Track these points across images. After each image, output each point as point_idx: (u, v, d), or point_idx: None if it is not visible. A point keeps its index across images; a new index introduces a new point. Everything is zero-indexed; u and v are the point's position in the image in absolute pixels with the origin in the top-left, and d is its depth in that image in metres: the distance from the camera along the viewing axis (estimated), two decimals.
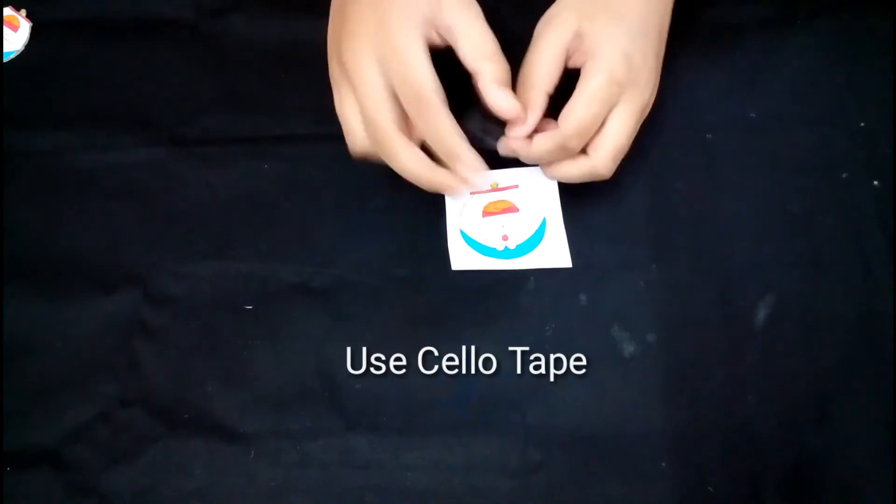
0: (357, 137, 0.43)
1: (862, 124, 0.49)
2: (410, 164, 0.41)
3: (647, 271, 0.46)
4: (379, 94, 0.41)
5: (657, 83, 0.45)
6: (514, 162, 0.49)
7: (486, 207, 0.48)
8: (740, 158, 0.49)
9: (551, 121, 0.44)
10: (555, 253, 0.47)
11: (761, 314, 0.45)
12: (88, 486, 0.43)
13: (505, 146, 0.45)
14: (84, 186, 0.50)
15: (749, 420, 0.43)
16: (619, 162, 0.44)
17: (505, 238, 0.47)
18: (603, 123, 0.43)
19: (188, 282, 0.47)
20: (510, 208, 0.48)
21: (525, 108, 0.42)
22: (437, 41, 0.41)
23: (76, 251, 0.48)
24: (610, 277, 0.46)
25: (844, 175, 0.48)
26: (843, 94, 0.50)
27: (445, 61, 0.42)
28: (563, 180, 0.46)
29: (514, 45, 0.53)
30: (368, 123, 0.41)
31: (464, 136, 0.41)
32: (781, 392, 0.43)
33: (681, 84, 0.47)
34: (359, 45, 0.41)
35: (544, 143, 0.43)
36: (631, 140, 0.44)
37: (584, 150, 0.44)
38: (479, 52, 0.41)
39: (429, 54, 0.40)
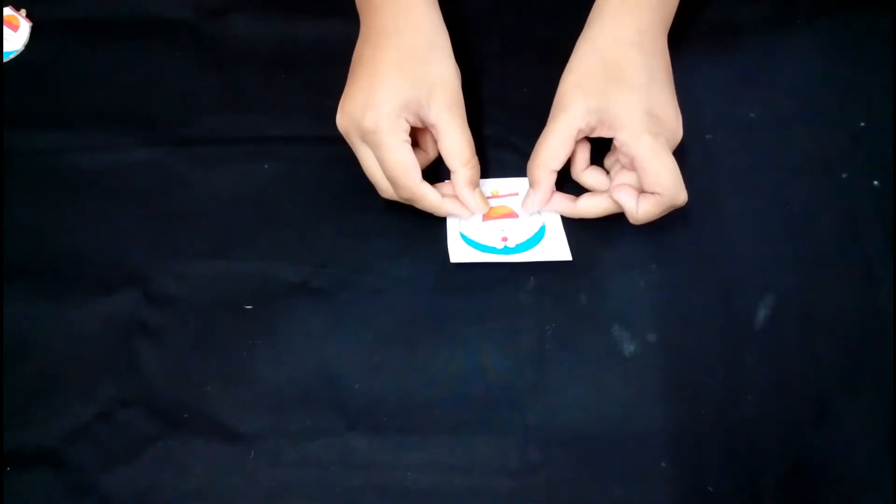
0: (385, 189, 0.46)
1: (862, 124, 0.49)
2: (438, 207, 0.46)
3: (647, 271, 0.46)
4: (375, 165, 0.45)
5: (681, 124, 0.45)
6: (515, 171, 0.49)
7: (486, 213, 0.48)
8: (740, 158, 0.49)
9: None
10: (555, 247, 0.47)
11: (761, 314, 0.45)
12: (88, 486, 0.43)
13: (545, 208, 0.47)
14: (84, 186, 0.50)
15: (749, 420, 0.43)
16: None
17: (504, 239, 0.47)
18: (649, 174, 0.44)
19: (188, 282, 0.47)
20: (510, 214, 0.48)
21: (533, 185, 0.46)
22: (420, 125, 0.45)
23: (76, 251, 0.48)
24: (610, 277, 0.46)
25: (844, 175, 0.48)
26: (843, 94, 0.50)
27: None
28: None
29: (515, 46, 0.54)
30: (370, 180, 0.46)
31: (435, 193, 0.45)
32: (781, 392, 0.43)
33: (681, 84, 0.47)
34: (348, 118, 0.44)
35: (593, 206, 0.46)
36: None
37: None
38: (457, 157, 0.45)
39: (408, 138, 0.44)
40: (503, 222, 0.48)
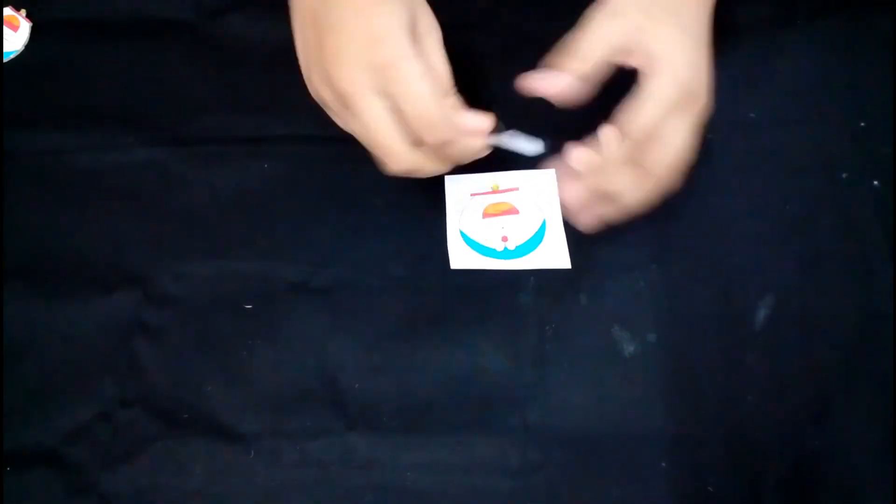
0: (399, 152, 0.40)
1: (862, 124, 0.49)
2: (437, 168, 0.41)
3: (647, 271, 0.46)
4: (387, 122, 0.39)
5: (708, 96, 0.42)
6: (515, 164, 0.49)
7: (486, 209, 0.48)
8: (740, 158, 0.49)
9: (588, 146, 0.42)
10: (554, 254, 0.47)
11: (761, 314, 0.45)
12: (88, 486, 0.43)
13: (572, 156, 0.42)
14: (84, 186, 0.50)
15: (749, 420, 0.43)
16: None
17: (504, 239, 0.47)
18: (662, 136, 0.41)
19: (188, 282, 0.47)
20: (510, 210, 0.48)
21: (561, 68, 0.41)
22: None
23: (76, 251, 0.48)
24: (610, 277, 0.46)
25: (844, 175, 0.48)
26: (843, 94, 0.50)
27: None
28: (630, 210, 0.43)
29: (515, 46, 0.54)
30: (387, 153, 0.40)
31: (463, 117, 0.40)
32: (781, 392, 0.43)
33: None
34: (351, 66, 0.38)
35: (612, 141, 0.41)
36: (692, 151, 0.42)
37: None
38: (442, 81, 0.39)
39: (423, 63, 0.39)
40: (503, 219, 0.48)
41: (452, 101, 0.40)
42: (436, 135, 0.39)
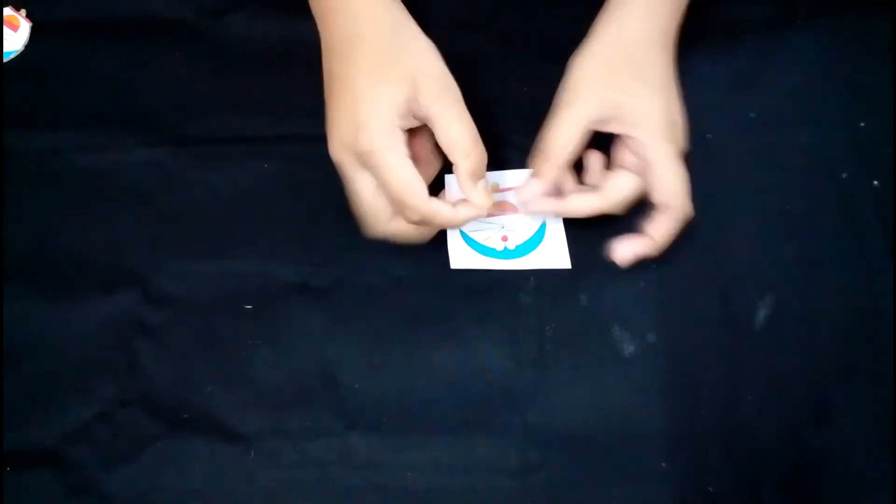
0: (378, 220, 0.43)
1: (862, 124, 0.49)
2: (453, 219, 0.42)
3: (647, 271, 0.46)
4: (367, 195, 0.42)
5: (687, 130, 0.45)
6: (516, 164, 0.49)
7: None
8: (740, 158, 0.49)
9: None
10: (554, 254, 0.47)
11: (761, 314, 0.45)
12: (88, 486, 0.43)
13: (531, 209, 0.45)
14: (84, 186, 0.50)
15: (749, 420, 0.43)
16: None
17: (504, 239, 0.47)
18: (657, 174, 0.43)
19: (188, 282, 0.47)
20: (510, 209, 0.48)
21: (537, 175, 0.44)
22: (418, 124, 0.42)
23: (76, 251, 0.48)
24: (610, 277, 0.46)
25: (844, 175, 0.48)
26: (843, 94, 0.50)
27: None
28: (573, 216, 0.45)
29: (515, 45, 0.54)
30: (359, 216, 0.43)
31: (447, 206, 0.42)
32: (781, 392, 0.43)
33: (681, 84, 0.46)
34: (337, 144, 0.41)
35: (582, 205, 0.44)
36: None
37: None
38: (458, 147, 0.41)
39: (408, 151, 0.41)
40: (504, 219, 0.48)
41: (465, 165, 0.41)
42: (409, 216, 0.41)
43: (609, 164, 0.46)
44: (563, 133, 0.42)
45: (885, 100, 0.49)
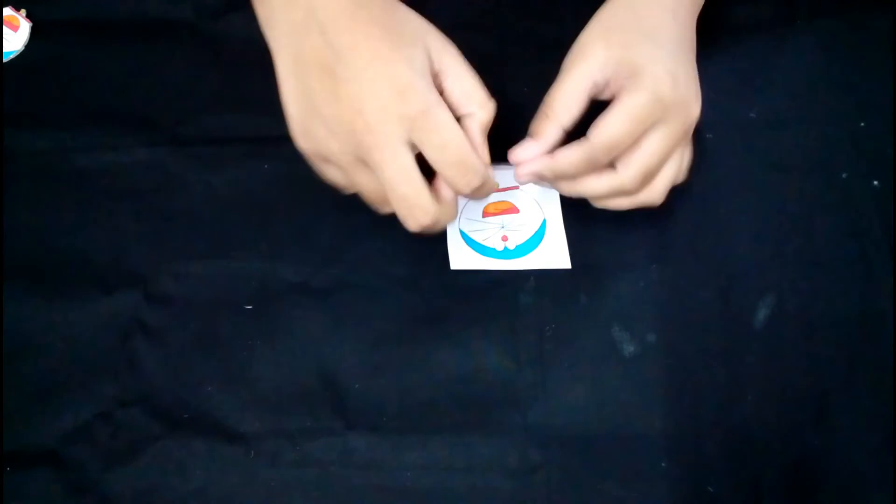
0: (426, 211, 0.39)
1: (862, 124, 0.49)
2: (451, 220, 0.42)
3: (647, 271, 0.46)
4: (416, 173, 0.38)
5: (700, 106, 0.43)
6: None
7: (486, 208, 0.48)
8: (740, 158, 0.49)
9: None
10: (554, 254, 0.47)
11: (761, 314, 0.45)
12: (88, 486, 0.43)
13: (523, 172, 0.42)
14: (84, 186, 0.50)
15: (749, 420, 0.43)
16: (650, 182, 0.42)
17: (504, 239, 0.47)
18: (639, 140, 0.41)
19: (188, 282, 0.47)
20: (510, 209, 0.48)
21: (536, 136, 0.41)
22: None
23: (76, 251, 0.48)
24: (610, 277, 0.46)
25: (844, 175, 0.48)
26: (843, 94, 0.50)
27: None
28: (587, 196, 0.44)
29: (514, 45, 0.54)
30: (411, 207, 0.39)
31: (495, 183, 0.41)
32: (781, 392, 0.43)
33: None
34: (379, 117, 0.37)
35: (570, 155, 0.41)
36: (665, 162, 0.42)
37: (612, 165, 0.42)
38: (472, 97, 0.39)
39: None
40: (504, 218, 0.48)
41: (482, 115, 0.40)
42: (470, 181, 0.38)
43: None
44: (566, 92, 0.41)
45: (885, 100, 0.49)
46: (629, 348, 0.44)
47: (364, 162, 0.38)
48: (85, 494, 0.42)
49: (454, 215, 0.42)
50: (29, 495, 0.43)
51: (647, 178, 0.42)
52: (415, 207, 0.38)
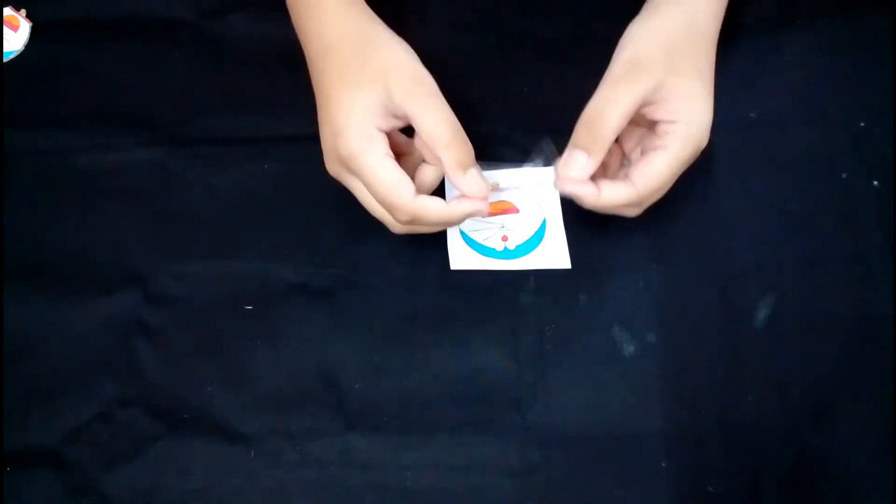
0: (391, 222, 0.43)
1: (862, 124, 0.49)
2: (447, 214, 0.41)
3: (647, 271, 0.46)
4: (370, 198, 0.42)
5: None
6: (516, 162, 0.49)
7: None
8: (740, 158, 0.49)
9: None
10: (554, 254, 0.47)
11: (761, 314, 0.45)
12: (88, 486, 0.43)
13: (568, 189, 0.42)
14: (84, 186, 0.50)
15: (749, 420, 0.43)
16: None
17: (504, 239, 0.47)
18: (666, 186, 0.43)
19: (188, 282, 0.47)
20: (510, 209, 0.48)
21: (587, 151, 0.40)
22: (401, 123, 0.41)
23: (76, 251, 0.48)
24: (610, 277, 0.46)
25: (844, 175, 0.48)
26: (843, 94, 0.50)
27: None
28: (603, 209, 0.43)
29: (515, 46, 0.54)
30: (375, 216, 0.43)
31: (437, 202, 0.41)
32: (781, 392, 0.43)
33: None
34: (327, 154, 0.42)
35: (614, 195, 0.41)
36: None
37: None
38: (437, 140, 0.40)
39: (389, 151, 0.40)
40: (504, 218, 0.48)
41: (449, 157, 0.40)
42: (399, 217, 0.41)
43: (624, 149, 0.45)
44: (620, 107, 0.40)
45: (885, 100, 0.49)
46: (629, 348, 0.44)
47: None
48: (85, 494, 0.42)
49: (435, 215, 0.41)
50: (29, 495, 0.43)
51: (661, 193, 0.43)
52: (383, 222, 0.43)
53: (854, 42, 0.51)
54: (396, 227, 0.43)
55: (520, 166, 0.47)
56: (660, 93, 0.40)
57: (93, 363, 0.45)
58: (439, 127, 0.40)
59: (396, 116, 0.41)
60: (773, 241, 0.46)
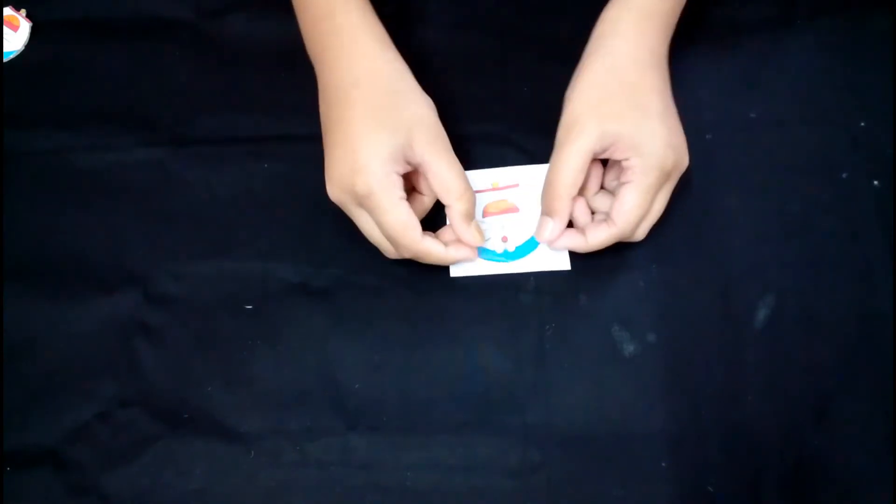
0: (388, 250, 0.45)
1: (862, 124, 0.49)
2: (444, 257, 0.45)
3: (647, 271, 0.46)
4: (373, 228, 0.44)
5: (686, 147, 0.45)
6: (511, 160, 0.49)
7: (486, 208, 0.48)
8: (740, 158, 0.49)
9: (580, 199, 0.45)
10: (554, 255, 0.47)
11: (761, 314, 0.45)
12: (88, 486, 0.43)
13: (559, 245, 0.45)
14: (84, 186, 0.50)
15: (749, 420, 0.43)
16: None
17: (504, 240, 0.47)
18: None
19: (188, 282, 0.47)
20: (510, 208, 0.48)
21: (551, 214, 0.44)
22: (410, 169, 0.44)
23: (76, 251, 0.48)
24: (610, 277, 0.46)
25: (844, 175, 0.48)
26: (843, 94, 0.50)
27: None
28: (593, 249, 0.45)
29: (515, 44, 0.54)
30: (384, 250, 0.45)
31: (439, 245, 0.44)
32: (781, 392, 0.43)
33: (681, 84, 0.46)
34: (336, 187, 0.43)
35: (599, 236, 0.44)
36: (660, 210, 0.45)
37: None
38: (450, 191, 0.43)
39: (403, 194, 0.43)
40: (503, 218, 0.48)
41: (458, 207, 0.44)
42: (402, 253, 0.44)
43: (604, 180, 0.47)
44: (568, 169, 0.43)
45: (885, 100, 0.49)
46: (629, 348, 0.44)
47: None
48: (85, 494, 0.42)
49: (437, 257, 0.45)
50: (29, 495, 0.43)
51: (639, 221, 0.44)
52: (382, 250, 0.45)
53: (854, 42, 0.51)
54: (391, 255, 0.45)
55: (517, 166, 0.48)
56: (604, 141, 0.42)
57: (93, 363, 0.45)
58: (453, 181, 0.43)
59: (410, 164, 0.43)
60: (773, 241, 0.46)
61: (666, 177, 0.43)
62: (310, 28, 0.47)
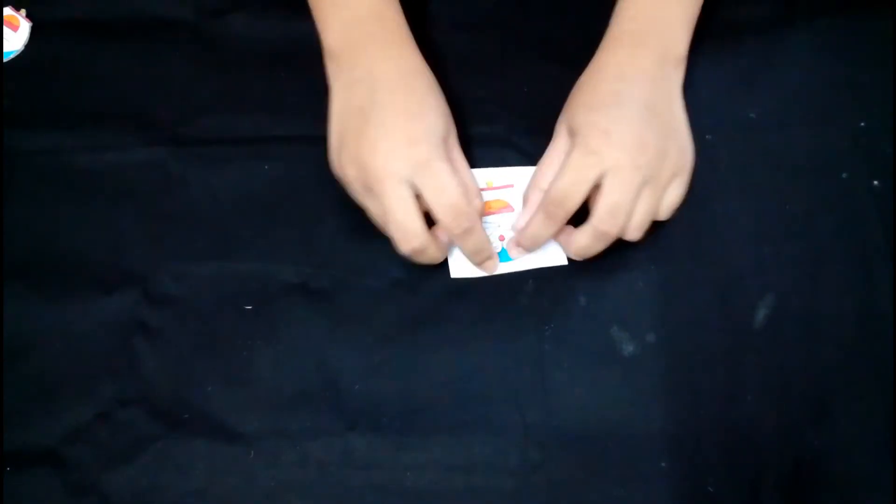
0: (418, 233, 0.44)
1: (862, 124, 0.49)
2: (439, 255, 0.46)
3: (647, 271, 0.46)
4: (409, 203, 0.43)
5: (686, 157, 0.45)
6: (510, 161, 0.49)
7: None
8: (740, 158, 0.49)
9: (569, 228, 0.45)
10: (549, 251, 0.47)
11: (761, 314, 0.45)
12: (88, 486, 0.43)
13: (565, 244, 0.46)
14: (84, 186, 0.50)
15: (749, 420, 0.43)
16: (621, 220, 0.43)
17: (501, 238, 0.47)
18: (632, 213, 0.44)
19: (188, 282, 0.47)
20: (506, 207, 0.48)
21: (523, 204, 0.47)
22: None
23: (76, 251, 0.48)
24: (610, 278, 0.46)
25: (844, 175, 0.48)
26: (843, 94, 0.50)
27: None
28: (577, 252, 0.45)
29: (515, 44, 0.54)
30: (403, 231, 0.43)
31: (489, 239, 0.46)
32: (781, 392, 0.43)
33: (681, 84, 0.47)
34: (388, 158, 0.43)
35: (582, 231, 0.44)
36: (632, 201, 0.43)
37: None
38: (471, 188, 0.45)
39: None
40: (500, 218, 0.48)
41: (478, 204, 0.46)
42: (461, 223, 0.43)
43: None
44: (543, 163, 0.46)
45: (885, 100, 0.49)
46: (629, 348, 0.44)
47: (370, 189, 0.43)
48: (85, 494, 0.42)
49: (443, 255, 0.46)
50: (29, 495, 0.43)
51: (616, 216, 0.43)
52: (408, 231, 0.43)
53: (854, 42, 0.51)
54: (404, 247, 0.44)
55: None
56: (574, 122, 0.45)
57: (93, 363, 0.45)
58: (472, 180, 0.46)
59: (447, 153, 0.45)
60: (773, 241, 0.46)
61: (596, 159, 0.42)
62: (348, 21, 0.47)
